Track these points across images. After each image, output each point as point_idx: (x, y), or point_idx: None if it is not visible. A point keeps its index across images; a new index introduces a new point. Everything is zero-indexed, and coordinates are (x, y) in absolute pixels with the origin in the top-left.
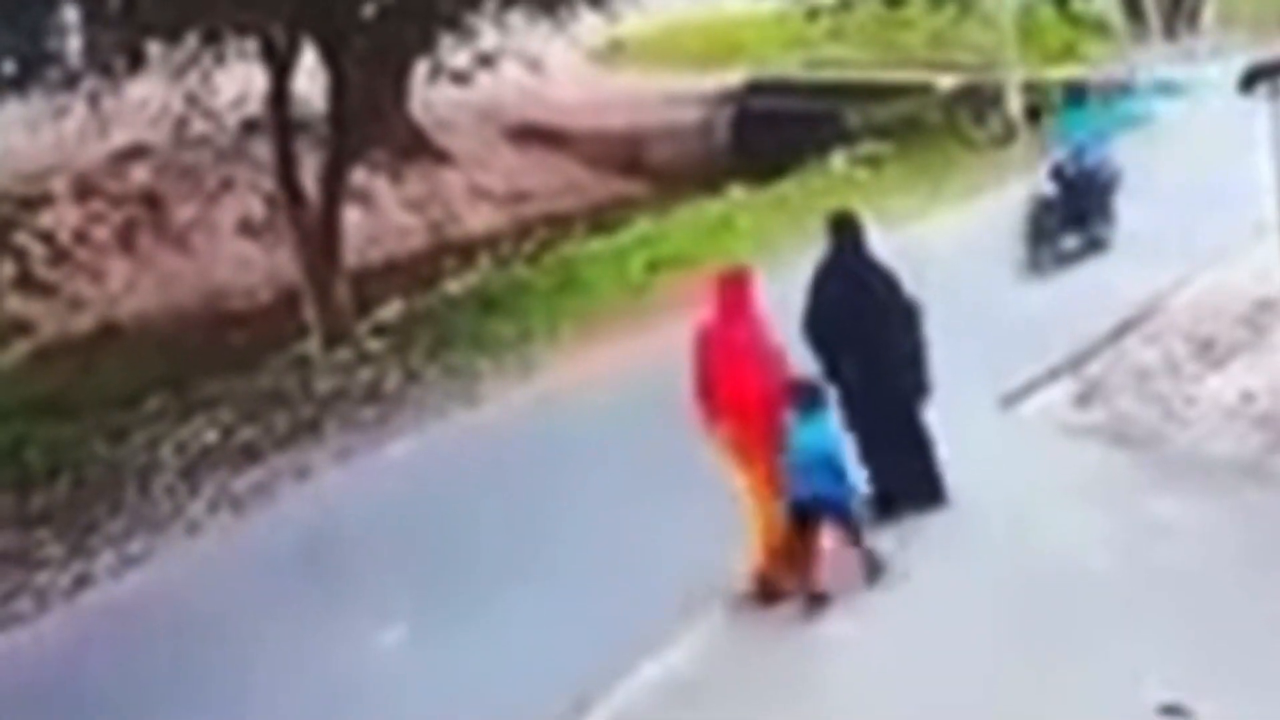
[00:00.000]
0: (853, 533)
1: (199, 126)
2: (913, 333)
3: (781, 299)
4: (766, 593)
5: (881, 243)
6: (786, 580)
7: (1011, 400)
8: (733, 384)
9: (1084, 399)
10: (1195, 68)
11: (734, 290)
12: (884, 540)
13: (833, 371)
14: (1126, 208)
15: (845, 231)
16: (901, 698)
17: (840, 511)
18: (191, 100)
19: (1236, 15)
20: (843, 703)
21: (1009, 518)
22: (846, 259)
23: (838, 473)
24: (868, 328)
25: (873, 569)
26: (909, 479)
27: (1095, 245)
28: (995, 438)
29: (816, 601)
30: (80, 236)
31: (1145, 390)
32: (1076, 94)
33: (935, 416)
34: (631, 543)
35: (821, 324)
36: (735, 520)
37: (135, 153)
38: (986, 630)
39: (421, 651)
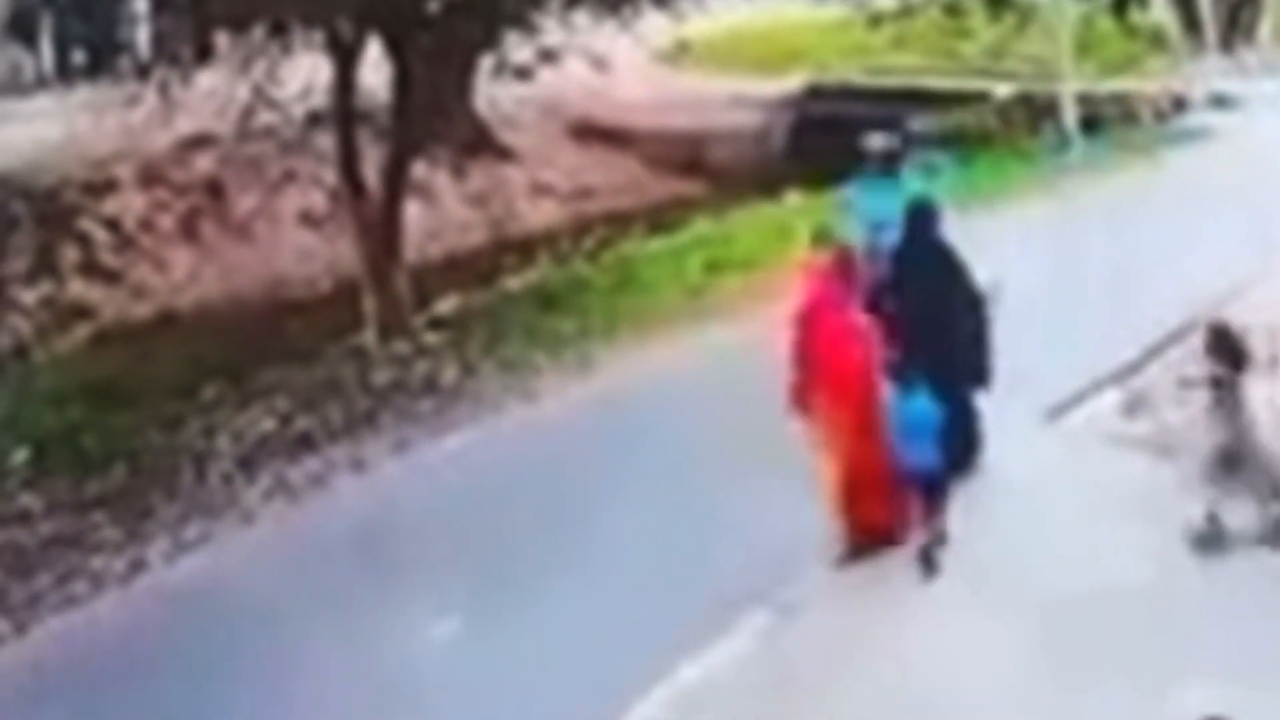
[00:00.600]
0: (937, 508)
1: (264, 117)
2: (976, 320)
3: None
4: (859, 550)
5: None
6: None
7: (1058, 411)
8: (840, 361)
9: (1131, 409)
10: (1250, 82)
11: (841, 274)
12: None
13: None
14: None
15: (920, 217)
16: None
17: (931, 483)
18: (257, 91)
19: None
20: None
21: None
22: (920, 243)
23: (933, 446)
24: (933, 310)
25: (929, 565)
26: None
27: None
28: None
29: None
30: (144, 224)
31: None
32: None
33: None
34: (682, 540)
35: (891, 302)
36: (789, 516)
37: (200, 142)
38: (1018, 643)
39: (474, 643)
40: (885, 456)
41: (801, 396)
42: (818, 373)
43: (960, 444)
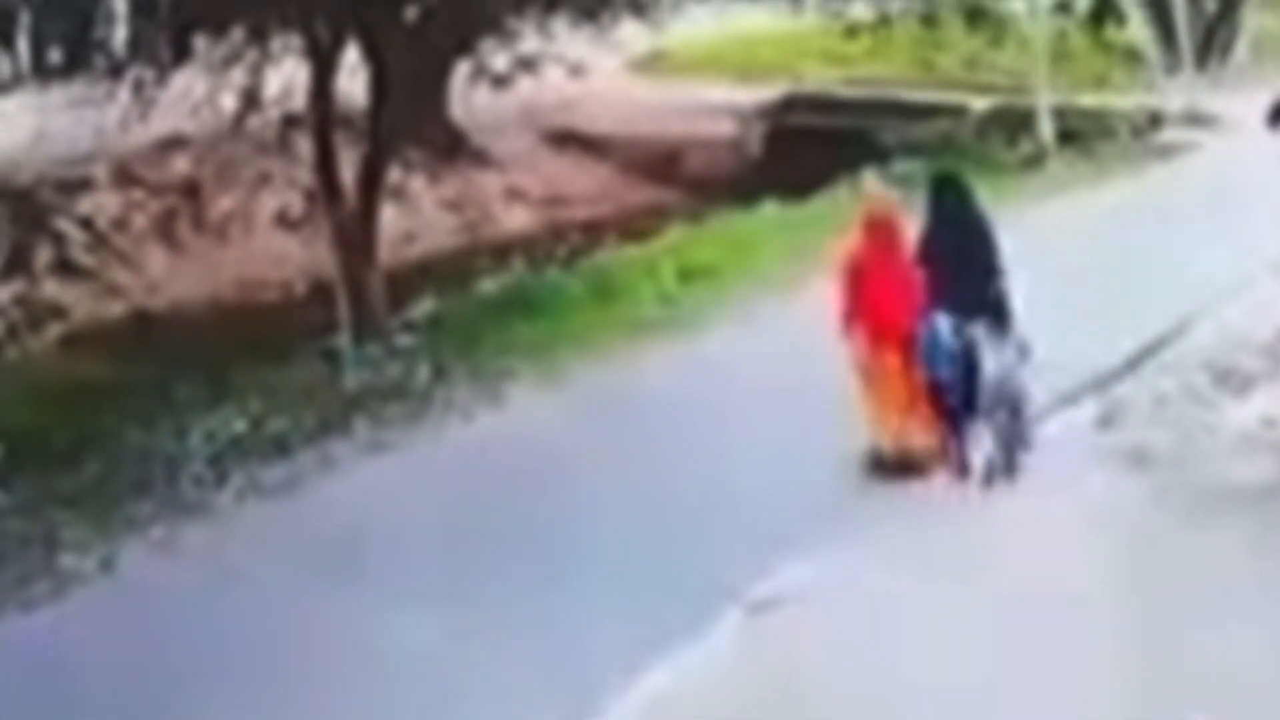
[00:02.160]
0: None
1: (244, 119)
2: (994, 286)
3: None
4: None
5: None
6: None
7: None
8: (889, 307)
9: (1105, 422)
10: (1226, 99)
11: (887, 228)
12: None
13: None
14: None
15: (950, 188)
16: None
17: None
18: (247, 94)
19: (1267, 47)
20: None
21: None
22: (950, 212)
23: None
24: (965, 273)
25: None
26: None
27: None
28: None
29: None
30: (119, 224)
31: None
32: None
33: None
34: (654, 545)
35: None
36: (763, 522)
37: (176, 143)
38: (995, 645)
39: (445, 647)
40: (920, 391)
41: (848, 325)
42: (864, 314)
43: (1005, 445)
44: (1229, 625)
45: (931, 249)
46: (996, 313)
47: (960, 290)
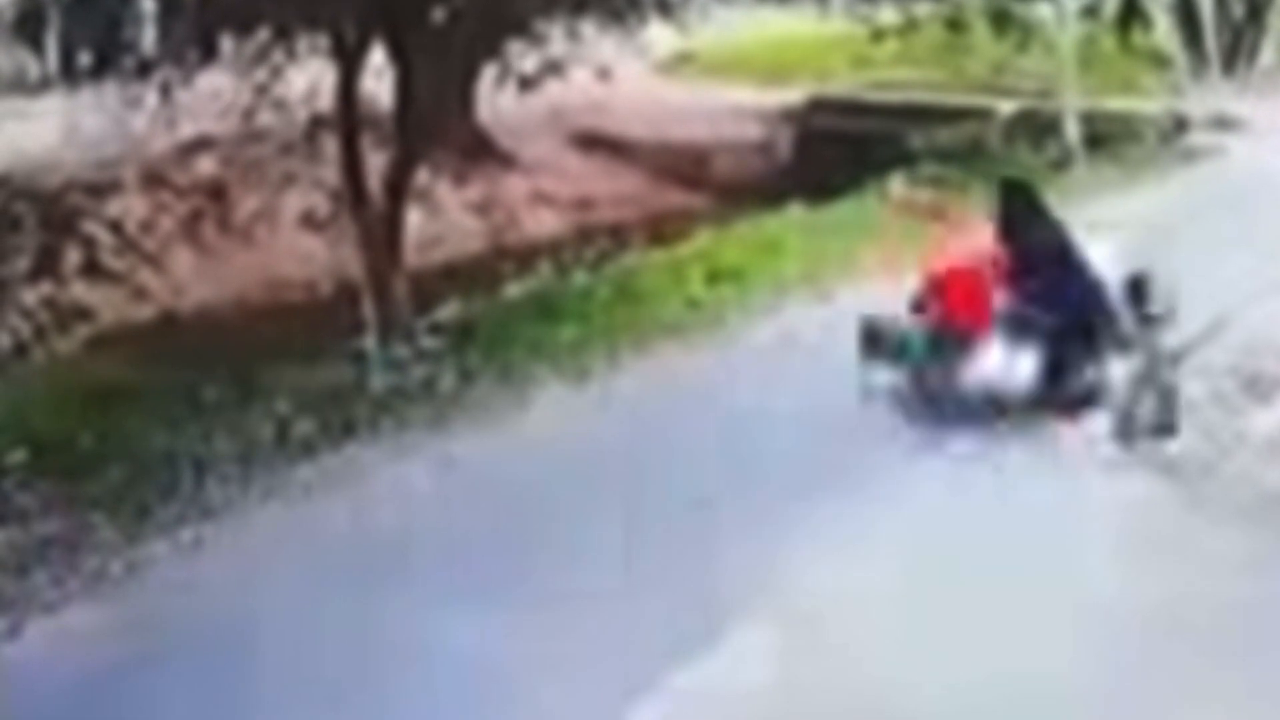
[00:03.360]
0: None
1: (267, 119)
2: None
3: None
4: None
5: None
6: None
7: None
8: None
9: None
10: (1253, 103)
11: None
12: None
13: None
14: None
15: (1019, 194)
16: None
17: None
18: (261, 91)
19: None
20: None
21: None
22: (1021, 218)
23: None
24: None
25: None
26: None
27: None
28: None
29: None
30: (146, 226)
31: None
32: None
33: None
34: (678, 550)
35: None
36: (787, 527)
37: (202, 144)
38: (1020, 659)
39: (469, 649)
40: None
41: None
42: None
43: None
44: (1253, 633)
45: (1014, 259)
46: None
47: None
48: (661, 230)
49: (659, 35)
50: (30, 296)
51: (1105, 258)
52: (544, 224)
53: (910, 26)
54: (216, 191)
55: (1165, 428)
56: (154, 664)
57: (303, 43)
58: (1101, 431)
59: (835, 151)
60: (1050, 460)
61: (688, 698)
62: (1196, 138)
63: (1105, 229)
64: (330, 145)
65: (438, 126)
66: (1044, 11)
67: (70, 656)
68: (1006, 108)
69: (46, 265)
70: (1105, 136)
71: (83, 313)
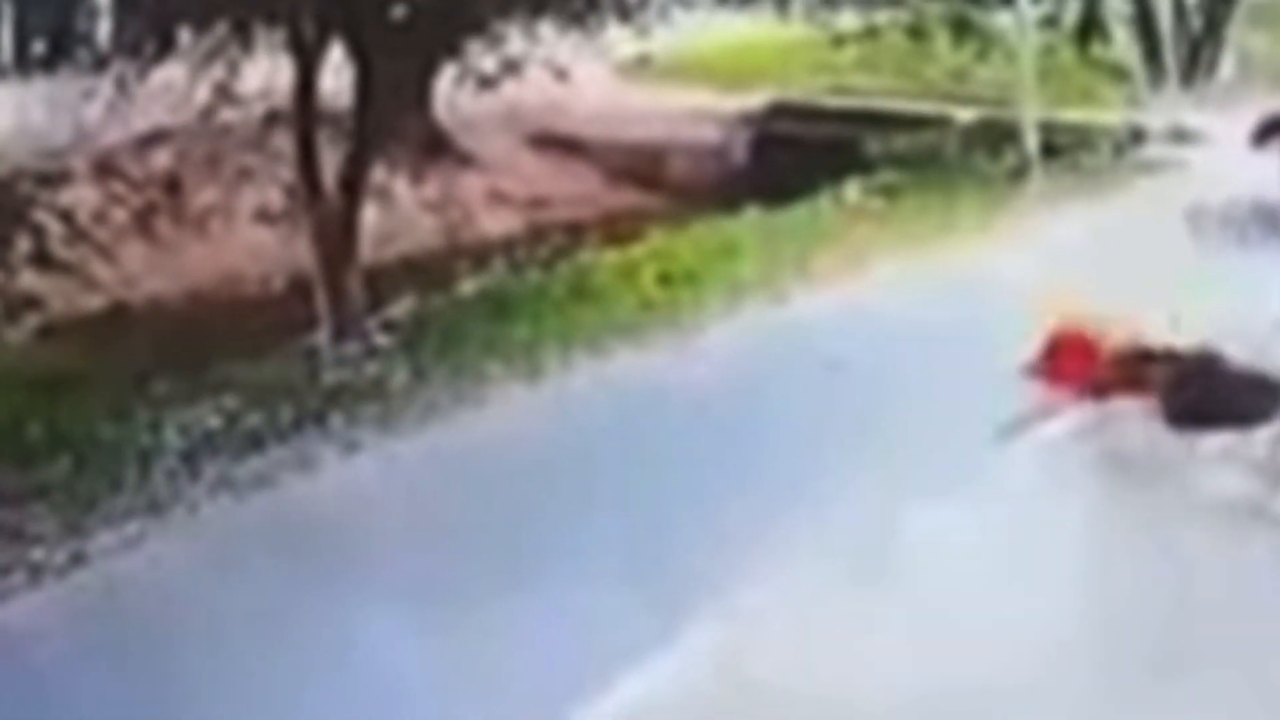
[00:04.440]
0: None
1: (224, 114)
2: None
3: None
4: None
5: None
6: None
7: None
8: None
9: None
10: (1211, 116)
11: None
12: None
13: None
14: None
15: None
16: None
17: None
18: (220, 88)
19: (1253, 65)
20: None
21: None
22: None
23: None
24: None
25: None
26: None
27: None
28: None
29: None
30: (99, 217)
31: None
32: None
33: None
34: (632, 548)
35: None
36: (743, 527)
37: (157, 137)
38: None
39: (415, 647)
40: None
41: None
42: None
43: None
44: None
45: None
46: None
47: None
48: (616, 230)
49: (618, 37)
50: None
51: None
52: (499, 222)
53: (870, 33)
54: (171, 184)
55: None
56: (96, 657)
57: (260, 38)
58: None
59: (792, 156)
60: None
61: (640, 699)
62: (1154, 150)
63: None
64: (286, 141)
65: (395, 124)
66: (1004, 21)
67: (10, 649)
68: (965, 116)
69: None
70: (1061, 146)
71: (32, 302)
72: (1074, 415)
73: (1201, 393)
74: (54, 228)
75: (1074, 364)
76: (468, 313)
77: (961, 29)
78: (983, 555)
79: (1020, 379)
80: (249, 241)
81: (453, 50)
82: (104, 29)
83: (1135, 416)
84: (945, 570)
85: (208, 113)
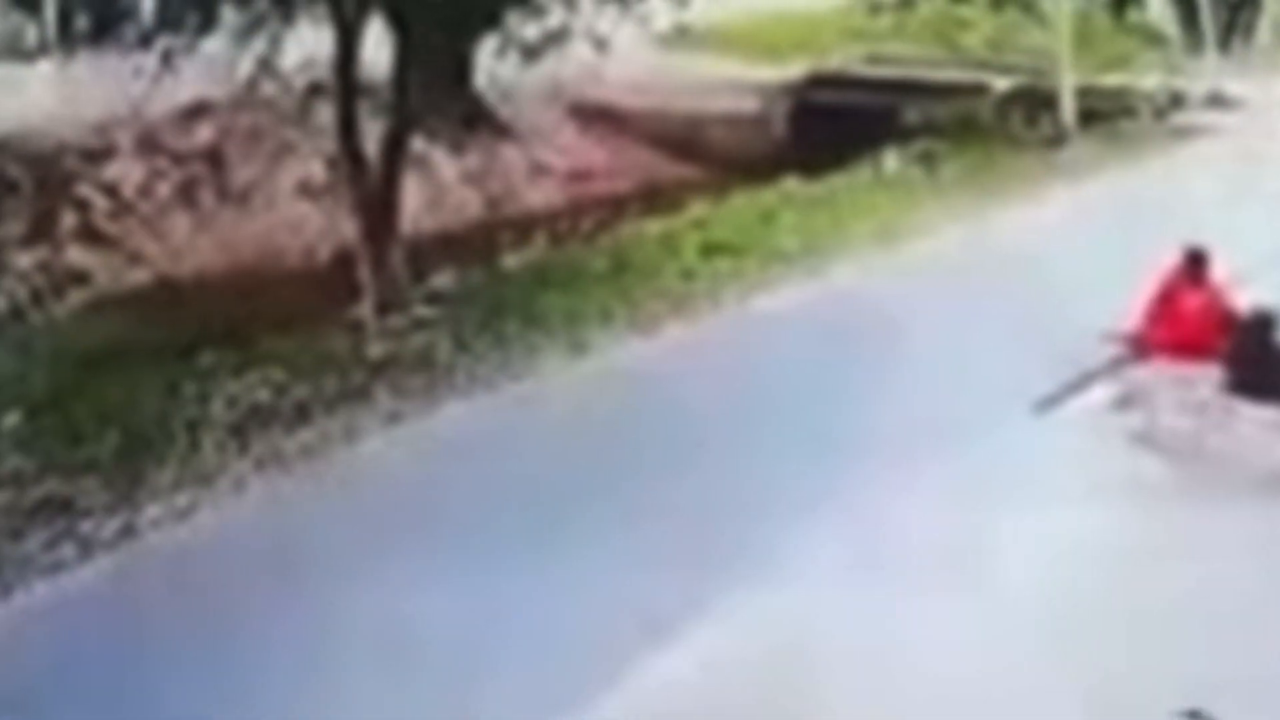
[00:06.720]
0: None
1: (266, 88)
2: None
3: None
4: None
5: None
6: None
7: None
8: (1181, 336)
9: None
10: (1249, 81)
11: (1195, 266)
12: None
13: None
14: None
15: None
16: None
17: None
18: (262, 62)
19: None
20: None
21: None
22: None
23: None
24: None
25: None
26: None
27: None
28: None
29: None
30: (143, 191)
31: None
32: None
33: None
34: (671, 521)
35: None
36: (780, 497)
37: (200, 111)
38: (1000, 633)
39: (455, 617)
40: None
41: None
42: (1160, 334)
43: None
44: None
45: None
46: None
47: None
48: (657, 202)
49: (658, 8)
50: (26, 260)
51: None
52: (541, 194)
53: (907, 2)
54: (214, 158)
55: None
56: (146, 629)
57: (301, 10)
58: None
59: (831, 125)
60: None
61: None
62: (1191, 115)
63: None
64: (327, 114)
65: (436, 96)
66: None
67: (63, 620)
68: (1001, 84)
69: (42, 229)
70: (1099, 113)
71: (79, 277)
72: (1110, 388)
73: (1258, 364)
74: (99, 202)
75: (1164, 330)
76: (510, 285)
77: None
78: (1016, 537)
79: (1051, 346)
80: (291, 215)
81: (493, 21)
82: (148, 4)
83: (1207, 382)
84: (986, 552)
85: (250, 86)
